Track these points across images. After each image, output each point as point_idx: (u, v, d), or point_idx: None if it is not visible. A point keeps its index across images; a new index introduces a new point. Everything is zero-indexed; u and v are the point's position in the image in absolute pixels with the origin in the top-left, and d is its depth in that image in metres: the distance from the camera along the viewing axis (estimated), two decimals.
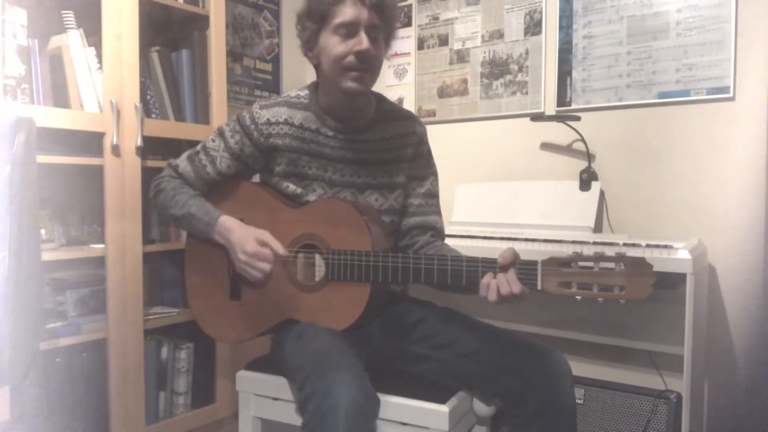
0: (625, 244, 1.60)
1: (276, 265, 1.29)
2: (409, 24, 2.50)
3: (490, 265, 1.14)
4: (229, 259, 1.35)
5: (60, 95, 1.66)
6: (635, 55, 2.00)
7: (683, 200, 1.94)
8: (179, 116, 1.95)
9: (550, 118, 2.09)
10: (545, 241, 1.73)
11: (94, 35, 1.69)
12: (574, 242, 1.68)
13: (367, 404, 1.07)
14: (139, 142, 1.74)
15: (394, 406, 1.24)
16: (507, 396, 1.22)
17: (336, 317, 1.27)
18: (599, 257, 1.06)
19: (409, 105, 2.50)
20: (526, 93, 2.22)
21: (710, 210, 1.89)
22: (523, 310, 2.12)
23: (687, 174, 1.93)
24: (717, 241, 1.87)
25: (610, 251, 1.08)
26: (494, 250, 1.15)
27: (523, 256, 1.13)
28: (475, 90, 2.35)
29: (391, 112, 1.43)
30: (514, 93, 2.25)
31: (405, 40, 2.50)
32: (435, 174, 1.49)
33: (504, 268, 1.12)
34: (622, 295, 1.05)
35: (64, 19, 1.67)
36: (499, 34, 2.29)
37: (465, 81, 2.37)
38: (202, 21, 1.99)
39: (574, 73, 2.11)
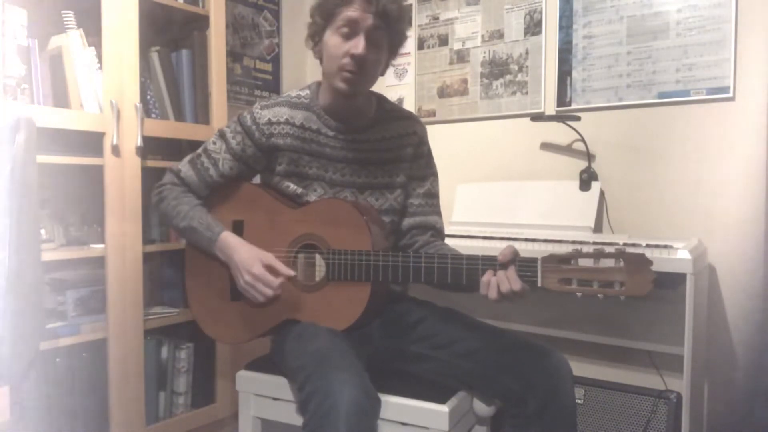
0: (625, 244, 1.60)
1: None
2: (409, 24, 2.50)
3: (490, 262, 1.14)
4: None
5: (60, 95, 1.66)
6: (635, 55, 2.00)
7: (683, 200, 1.94)
8: (179, 116, 1.95)
9: (550, 118, 2.09)
10: (545, 241, 1.73)
11: (94, 35, 1.69)
12: (574, 242, 1.68)
13: (368, 404, 1.07)
14: (139, 142, 1.74)
15: (394, 406, 1.24)
16: (507, 396, 1.22)
17: (336, 317, 1.27)
18: (599, 254, 1.06)
19: (409, 105, 2.50)
20: (526, 93, 2.22)
21: (710, 210, 1.89)
22: (523, 310, 2.12)
23: (687, 174, 1.93)
24: (717, 241, 1.87)
25: (609, 249, 1.08)
26: (494, 250, 1.15)
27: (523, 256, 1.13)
28: (475, 90, 2.35)
29: (392, 112, 1.44)
30: (514, 93, 2.25)
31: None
32: (435, 174, 1.49)
33: (504, 266, 1.12)
34: (622, 291, 1.05)
35: (64, 19, 1.67)
36: (499, 34, 2.29)
37: (465, 81, 2.37)
38: (202, 21, 1.99)
39: (574, 73, 2.11)
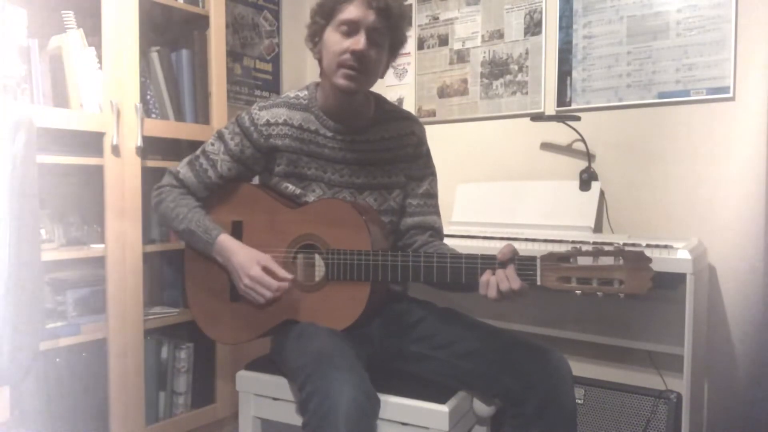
0: (625, 244, 1.60)
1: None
2: (409, 24, 2.50)
3: (489, 262, 1.14)
4: None
5: (60, 95, 1.66)
6: (635, 55, 2.00)
7: (683, 200, 1.94)
8: (179, 116, 1.95)
9: (550, 118, 2.09)
10: (545, 241, 1.73)
11: (94, 35, 1.69)
12: (574, 242, 1.68)
13: (368, 404, 1.07)
14: (139, 142, 1.74)
15: (394, 406, 1.24)
16: (507, 396, 1.22)
17: (336, 317, 1.27)
18: (598, 252, 1.06)
19: (409, 105, 2.50)
20: (526, 93, 2.22)
21: (710, 210, 1.89)
22: (523, 310, 2.12)
23: (687, 174, 1.93)
24: (717, 241, 1.87)
25: (609, 247, 1.08)
26: (494, 250, 1.15)
27: None
28: (475, 90, 2.35)
29: (391, 112, 1.44)
30: (514, 93, 2.25)
31: None
32: (434, 174, 1.49)
33: (503, 265, 1.12)
34: (622, 289, 1.05)
35: (64, 19, 1.67)
36: (499, 34, 2.29)
37: (465, 81, 2.37)
38: (202, 21, 1.99)
39: (574, 73, 2.11)
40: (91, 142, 1.68)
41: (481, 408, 1.30)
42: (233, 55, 2.44)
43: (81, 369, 1.69)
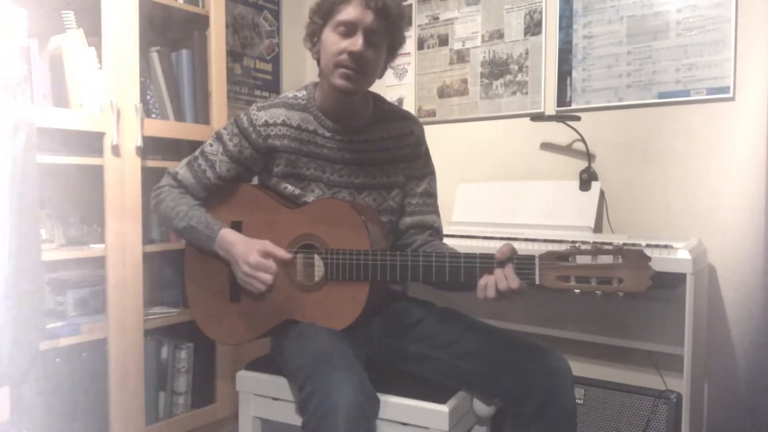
0: (625, 244, 1.59)
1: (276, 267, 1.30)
2: (409, 24, 2.50)
3: (487, 261, 1.14)
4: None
5: (60, 95, 1.66)
6: (635, 55, 2.00)
7: (683, 200, 1.94)
8: (179, 116, 1.95)
9: (550, 118, 2.09)
10: (545, 240, 1.73)
11: (94, 35, 1.69)
12: (573, 242, 1.67)
13: (367, 404, 1.07)
14: (139, 142, 1.74)
15: (394, 406, 1.24)
16: (507, 396, 1.22)
17: (336, 317, 1.27)
18: (597, 250, 1.06)
19: (409, 105, 2.50)
20: (526, 93, 2.22)
21: (710, 210, 1.89)
22: (523, 310, 2.12)
23: (687, 174, 1.93)
24: (717, 241, 1.87)
25: (608, 246, 1.08)
26: (494, 250, 1.14)
27: None
28: (475, 90, 2.35)
29: (389, 112, 1.43)
30: (514, 93, 2.25)
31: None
32: (433, 173, 1.49)
33: (502, 263, 1.12)
34: (621, 288, 1.04)
35: (64, 19, 1.67)
36: (499, 34, 2.29)
37: (465, 81, 2.37)
38: (202, 21, 1.99)
39: (574, 73, 2.11)
40: (91, 142, 1.68)
41: (481, 408, 1.30)
42: (233, 55, 2.44)
43: (81, 369, 1.69)
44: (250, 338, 1.38)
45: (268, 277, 1.28)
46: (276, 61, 2.65)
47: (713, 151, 1.88)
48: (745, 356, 1.84)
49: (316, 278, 1.31)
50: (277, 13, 2.65)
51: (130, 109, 1.73)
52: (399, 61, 2.52)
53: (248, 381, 1.43)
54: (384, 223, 1.39)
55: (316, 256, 1.31)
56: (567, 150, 2.14)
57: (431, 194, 1.47)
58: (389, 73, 2.55)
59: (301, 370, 1.13)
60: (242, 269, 1.30)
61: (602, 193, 2.05)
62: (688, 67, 1.91)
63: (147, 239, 1.85)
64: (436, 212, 1.47)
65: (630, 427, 1.78)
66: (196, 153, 1.42)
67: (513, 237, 1.80)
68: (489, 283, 1.12)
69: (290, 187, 1.36)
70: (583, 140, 2.05)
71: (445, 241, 1.49)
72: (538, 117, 2.12)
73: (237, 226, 1.39)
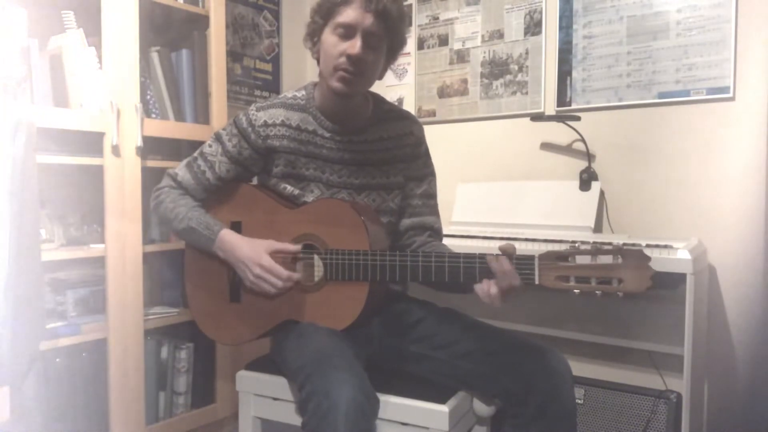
0: (625, 244, 1.59)
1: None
2: (409, 24, 2.50)
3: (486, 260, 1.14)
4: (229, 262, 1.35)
5: (60, 95, 1.66)
6: (635, 55, 2.00)
7: (683, 200, 1.94)
8: (179, 116, 1.95)
9: (550, 118, 2.09)
10: (545, 241, 1.73)
11: (94, 35, 1.69)
12: (573, 242, 1.67)
13: (367, 404, 1.07)
14: (139, 142, 1.74)
15: (394, 406, 1.24)
16: (507, 396, 1.22)
17: (335, 317, 1.27)
18: (597, 250, 1.06)
19: (409, 105, 2.50)
20: (526, 93, 2.22)
21: (710, 210, 1.89)
22: (523, 310, 2.12)
23: (687, 174, 1.93)
24: (717, 241, 1.87)
25: (608, 246, 1.08)
26: (494, 250, 1.14)
27: None
28: (475, 90, 2.35)
29: (389, 112, 1.43)
30: (514, 93, 2.25)
31: None
32: (433, 174, 1.48)
33: (504, 255, 1.11)
34: (621, 288, 1.04)
35: (64, 19, 1.67)
36: (499, 34, 2.29)
37: (465, 81, 2.37)
38: (202, 21, 1.99)
39: (574, 73, 2.11)
40: (91, 142, 1.68)
41: (481, 408, 1.30)
42: (233, 55, 2.44)
43: (81, 369, 1.69)
44: (250, 338, 1.38)
45: (279, 283, 1.27)
46: (276, 61, 2.65)
47: (713, 151, 1.88)
48: (745, 356, 1.84)
49: (316, 278, 1.31)
50: (277, 13, 2.65)
51: (130, 109, 1.73)
52: (399, 61, 2.51)
53: (248, 381, 1.42)
54: (384, 223, 1.39)
55: (316, 256, 1.31)
56: (567, 150, 2.14)
57: (431, 195, 1.47)
58: (389, 73, 2.55)
59: (301, 370, 1.13)
60: (254, 271, 1.29)
61: (602, 193, 2.05)
62: (688, 67, 1.91)
63: (147, 239, 1.85)
64: (436, 213, 1.47)
65: (630, 427, 1.78)
66: (196, 154, 1.42)
67: (513, 237, 1.80)
68: (489, 283, 1.11)
69: (290, 188, 1.36)
70: (583, 140, 2.05)
71: (445, 241, 1.49)
72: (538, 117, 2.12)
73: (237, 227, 1.39)
